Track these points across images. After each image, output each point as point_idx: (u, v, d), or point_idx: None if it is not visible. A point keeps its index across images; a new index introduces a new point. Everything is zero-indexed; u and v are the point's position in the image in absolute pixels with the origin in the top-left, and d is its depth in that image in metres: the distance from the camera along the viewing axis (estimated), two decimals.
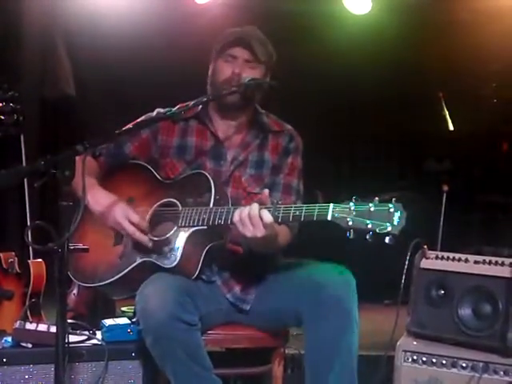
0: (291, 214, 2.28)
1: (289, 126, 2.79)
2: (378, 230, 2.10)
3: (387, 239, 2.10)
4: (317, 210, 2.21)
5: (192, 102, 2.66)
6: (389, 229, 2.09)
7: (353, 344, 2.42)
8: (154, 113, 2.71)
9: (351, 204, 2.15)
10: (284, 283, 2.55)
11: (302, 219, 2.25)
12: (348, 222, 2.13)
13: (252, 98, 2.67)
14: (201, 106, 2.68)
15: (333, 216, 2.17)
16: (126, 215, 2.52)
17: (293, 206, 2.32)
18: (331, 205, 2.18)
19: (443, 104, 4.66)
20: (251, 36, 2.66)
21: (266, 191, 2.39)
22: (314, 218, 2.22)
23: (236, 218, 2.34)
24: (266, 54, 2.67)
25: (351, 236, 2.14)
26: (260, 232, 2.31)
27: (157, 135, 2.72)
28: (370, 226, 2.11)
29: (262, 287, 2.60)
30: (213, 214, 2.43)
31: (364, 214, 2.12)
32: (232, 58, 2.64)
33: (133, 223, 2.51)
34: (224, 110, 2.70)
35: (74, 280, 2.63)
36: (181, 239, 2.48)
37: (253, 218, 2.31)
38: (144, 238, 2.51)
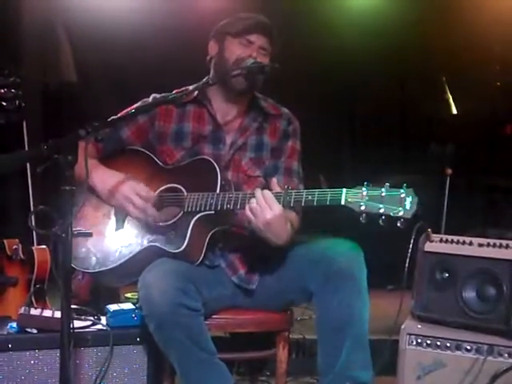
0: (304, 199, 2.30)
1: (286, 110, 2.80)
2: (392, 214, 2.14)
3: (399, 223, 2.15)
4: (330, 195, 2.24)
5: (193, 86, 2.65)
6: (401, 213, 2.14)
7: (364, 315, 2.44)
8: (150, 98, 2.71)
9: (364, 189, 2.19)
10: (291, 259, 2.56)
11: (315, 204, 2.27)
12: (361, 206, 2.18)
13: (256, 82, 2.65)
14: (197, 91, 2.67)
15: (346, 201, 2.21)
16: (135, 189, 2.53)
17: (305, 191, 2.34)
18: (344, 189, 2.22)
19: (446, 87, 4.63)
20: (271, 25, 2.66)
21: (275, 180, 2.42)
22: (327, 203, 2.25)
23: (253, 203, 2.34)
24: (276, 44, 2.67)
25: (364, 220, 2.18)
26: (278, 209, 2.32)
27: (154, 121, 2.70)
28: (382, 210, 2.16)
29: (267, 266, 2.61)
30: (220, 199, 2.44)
31: (376, 199, 2.17)
32: (248, 43, 2.63)
33: (142, 197, 2.51)
34: (229, 93, 2.68)
35: (75, 267, 2.61)
36: (187, 224, 2.47)
37: (268, 199, 2.32)
38: (154, 212, 2.51)
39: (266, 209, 2.33)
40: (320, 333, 2.49)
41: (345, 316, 2.40)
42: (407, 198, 2.15)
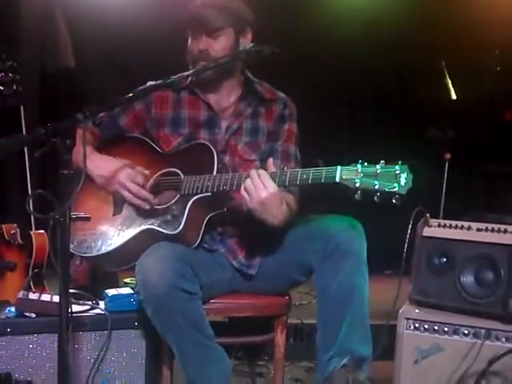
0: (298, 178, 2.30)
1: (282, 94, 2.78)
2: (386, 190, 2.14)
3: (394, 200, 2.15)
4: (324, 173, 2.24)
5: (188, 72, 2.64)
6: (396, 189, 2.13)
7: (364, 291, 2.45)
8: (147, 85, 2.69)
9: (358, 166, 2.19)
10: (290, 238, 2.56)
11: (310, 182, 2.27)
12: (356, 183, 2.17)
13: (234, 66, 2.65)
14: (190, 78, 2.65)
15: (340, 178, 2.20)
16: (130, 176, 2.53)
17: (299, 169, 2.33)
18: (339, 167, 2.21)
19: (446, 72, 4.62)
20: (204, 6, 2.59)
21: (271, 160, 2.41)
22: (322, 180, 2.24)
23: (247, 182, 2.34)
24: (226, 18, 2.58)
25: (359, 197, 2.17)
26: (273, 188, 2.31)
27: (150, 108, 2.70)
28: (377, 186, 2.15)
29: (266, 249, 2.61)
30: (217, 180, 2.44)
31: (371, 175, 2.16)
32: (196, 35, 2.60)
33: (137, 183, 2.51)
34: (202, 84, 2.67)
35: (73, 251, 2.61)
36: (184, 206, 2.48)
37: (262, 176, 2.32)
38: (149, 196, 2.52)
39: (261, 188, 2.32)
40: (320, 309, 2.49)
41: (345, 292, 2.41)
42: (402, 175, 2.14)
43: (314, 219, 2.59)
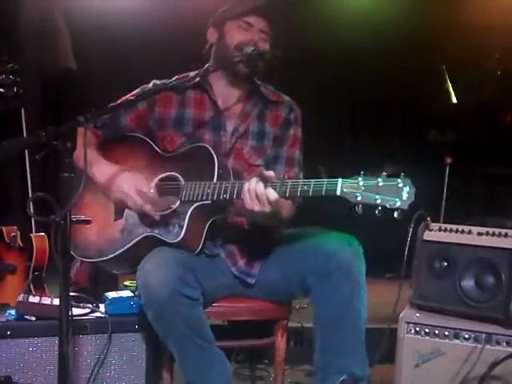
0: (299, 189, 2.25)
1: (287, 97, 2.77)
2: (388, 205, 2.08)
3: (396, 214, 2.09)
4: (325, 185, 2.19)
5: (194, 72, 2.63)
6: (398, 204, 2.08)
7: (362, 312, 2.43)
8: (150, 84, 2.68)
9: (360, 179, 2.13)
10: (290, 253, 2.55)
11: (311, 194, 2.22)
12: (357, 197, 2.12)
13: (257, 68, 2.63)
14: (198, 77, 2.63)
15: (342, 191, 2.15)
16: (136, 186, 2.50)
17: (300, 180, 2.28)
18: (340, 180, 2.16)
19: (446, 76, 4.62)
20: (271, 7, 2.62)
21: (269, 172, 2.37)
22: (323, 193, 2.19)
23: (245, 193, 2.32)
24: (277, 30, 2.64)
25: (359, 211, 2.12)
26: (267, 208, 2.30)
27: (154, 107, 2.68)
28: (379, 201, 2.09)
29: (267, 259, 2.60)
30: (217, 188, 2.41)
31: (373, 189, 2.10)
32: (247, 26, 2.59)
33: (141, 192, 2.49)
34: (231, 79, 2.66)
35: (75, 255, 2.60)
36: (184, 214, 2.46)
37: (260, 196, 2.30)
38: (153, 212, 2.47)
39: (255, 203, 2.31)
40: (317, 328, 2.47)
41: (343, 313, 2.39)
42: (404, 188, 2.08)
43: (313, 234, 2.56)
